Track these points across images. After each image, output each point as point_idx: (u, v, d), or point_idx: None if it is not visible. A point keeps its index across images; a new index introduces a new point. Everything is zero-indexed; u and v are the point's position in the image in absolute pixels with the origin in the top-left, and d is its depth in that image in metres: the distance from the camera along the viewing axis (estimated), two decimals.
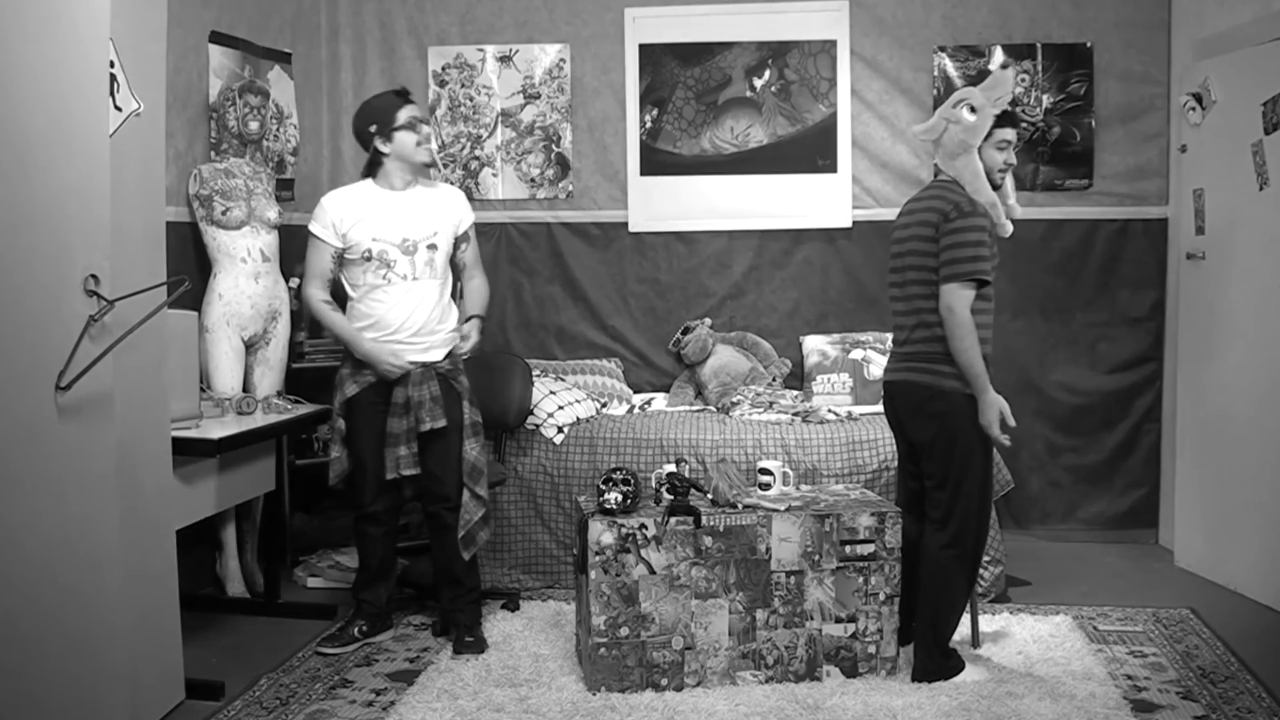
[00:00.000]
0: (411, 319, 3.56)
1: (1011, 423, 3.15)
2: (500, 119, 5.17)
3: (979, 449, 3.21)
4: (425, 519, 3.74)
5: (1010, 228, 3.28)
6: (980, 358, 3.13)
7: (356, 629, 3.68)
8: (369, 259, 3.54)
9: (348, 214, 3.56)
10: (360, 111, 3.64)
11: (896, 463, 3.63)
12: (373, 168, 3.63)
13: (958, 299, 3.11)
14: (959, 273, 3.12)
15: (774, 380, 4.92)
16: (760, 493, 3.53)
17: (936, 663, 3.29)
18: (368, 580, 3.73)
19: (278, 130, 4.69)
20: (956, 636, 3.41)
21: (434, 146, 3.56)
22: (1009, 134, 3.24)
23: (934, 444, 3.23)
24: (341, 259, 3.59)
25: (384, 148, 3.56)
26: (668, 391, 5.06)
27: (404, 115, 3.54)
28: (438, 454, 3.60)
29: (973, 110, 3.23)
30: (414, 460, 3.58)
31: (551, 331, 5.23)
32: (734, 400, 4.69)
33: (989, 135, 3.22)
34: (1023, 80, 4.92)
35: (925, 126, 3.38)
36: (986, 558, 3.97)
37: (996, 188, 3.27)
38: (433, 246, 3.57)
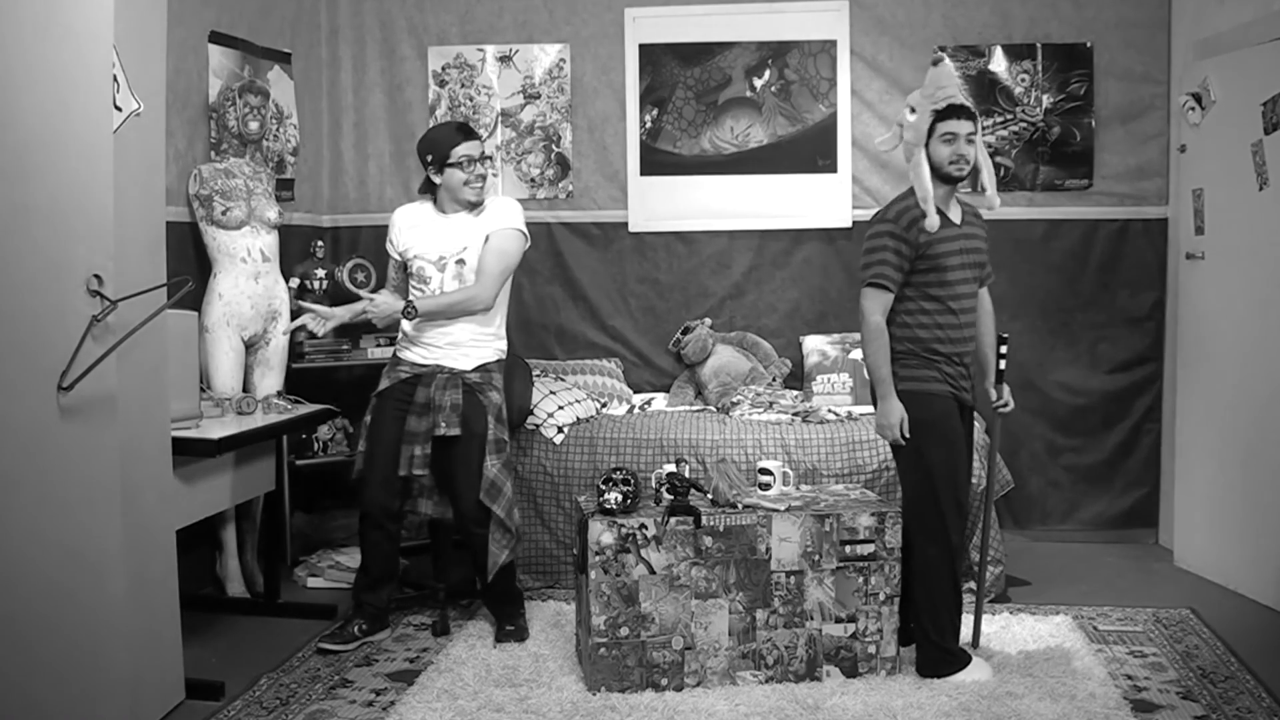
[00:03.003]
0: (441, 329, 3.65)
1: (896, 435, 3.25)
2: (500, 119, 5.17)
3: (913, 443, 3.27)
4: (465, 537, 3.72)
5: (936, 223, 3.21)
6: (884, 362, 3.27)
7: (356, 627, 3.69)
8: (411, 273, 3.72)
9: (403, 229, 3.76)
10: (422, 138, 3.76)
11: None
12: (432, 189, 3.72)
13: (864, 303, 3.30)
14: (862, 278, 3.32)
15: (774, 380, 4.92)
16: (760, 493, 3.53)
17: (930, 655, 3.32)
18: (369, 584, 3.74)
19: (278, 130, 4.68)
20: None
21: (485, 185, 3.68)
22: (952, 126, 3.21)
23: None
24: (406, 270, 3.76)
25: (435, 178, 3.67)
26: (668, 391, 5.06)
27: (457, 152, 3.61)
28: (458, 466, 3.63)
29: (913, 110, 3.31)
30: (425, 462, 3.62)
31: (551, 331, 5.23)
32: (734, 400, 4.69)
33: (933, 131, 3.24)
34: (1023, 80, 4.92)
35: (884, 138, 3.50)
36: (987, 557, 3.97)
37: (954, 180, 3.26)
38: (461, 261, 3.65)
